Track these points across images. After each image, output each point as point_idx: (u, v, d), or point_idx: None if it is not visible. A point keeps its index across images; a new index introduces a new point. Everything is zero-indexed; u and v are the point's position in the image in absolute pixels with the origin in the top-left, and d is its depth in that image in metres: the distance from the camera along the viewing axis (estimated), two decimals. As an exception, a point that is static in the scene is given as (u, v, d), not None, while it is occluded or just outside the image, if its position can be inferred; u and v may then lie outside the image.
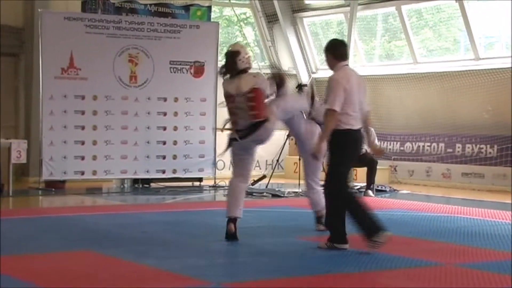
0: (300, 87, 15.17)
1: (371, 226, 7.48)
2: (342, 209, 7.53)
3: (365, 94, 7.73)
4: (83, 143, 13.32)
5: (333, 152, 7.53)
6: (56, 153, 13.14)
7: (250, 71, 8.33)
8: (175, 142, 14.04)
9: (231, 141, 8.30)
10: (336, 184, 7.55)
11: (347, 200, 7.55)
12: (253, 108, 8.11)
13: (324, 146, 7.56)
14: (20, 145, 12.54)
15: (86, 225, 9.34)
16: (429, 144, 15.75)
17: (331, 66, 7.65)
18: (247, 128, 8.13)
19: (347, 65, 7.69)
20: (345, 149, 7.53)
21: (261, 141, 8.34)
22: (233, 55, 8.19)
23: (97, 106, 13.41)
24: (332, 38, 8.24)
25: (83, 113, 13.30)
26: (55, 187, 13.31)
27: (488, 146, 14.89)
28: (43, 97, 13.11)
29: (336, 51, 7.63)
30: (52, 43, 13.12)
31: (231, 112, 8.30)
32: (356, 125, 7.55)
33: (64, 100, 13.16)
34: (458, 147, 15.33)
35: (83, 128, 13.31)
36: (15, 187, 12.62)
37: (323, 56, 19.49)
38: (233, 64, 8.17)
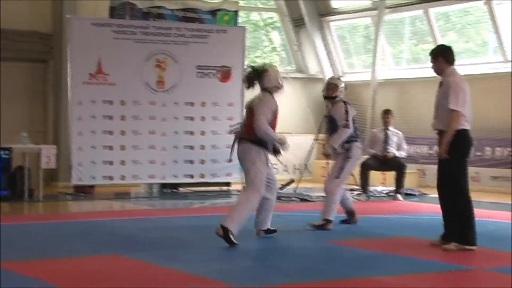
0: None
1: (468, 234, 7.80)
2: (465, 209, 7.85)
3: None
4: (111, 148, 13.38)
5: (454, 151, 7.80)
6: (85, 158, 13.22)
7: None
8: (202, 147, 14.06)
9: None
10: (451, 183, 7.89)
11: (460, 198, 7.87)
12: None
13: None
14: (50, 150, 12.62)
15: (115, 229, 9.38)
16: (457, 147, 15.62)
17: (441, 70, 8.04)
18: None
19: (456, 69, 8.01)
20: (459, 149, 7.84)
21: None
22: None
23: (125, 111, 13.47)
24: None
25: (111, 118, 13.37)
26: (84, 192, 13.38)
27: (518, 149, 14.75)
28: (72, 102, 13.19)
29: (449, 56, 8.04)
30: (80, 49, 13.20)
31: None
32: (468, 126, 7.92)
33: (92, 105, 13.24)
34: (487, 150, 15.20)
35: (111, 133, 13.38)
36: (44, 192, 12.69)
37: (350, 60, 19.44)
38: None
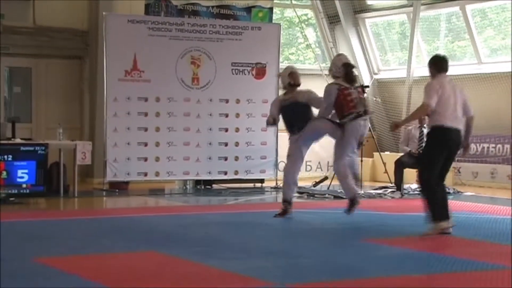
0: (362, 88, 15.12)
1: (439, 212, 8.58)
2: (437, 195, 8.68)
3: (462, 99, 8.83)
4: (146, 144, 13.45)
5: (426, 144, 8.96)
6: (120, 155, 13.30)
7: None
8: (237, 144, 14.08)
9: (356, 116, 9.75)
10: (424, 171, 8.81)
11: (427, 186, 8.68)
12: (364, 100, 9.98)
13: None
14: (85, 146, 12.72)
15: (149, 225, 9.43)
16: (494, 145, 15.50)
17: (433, 77, 8.89)
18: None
19: (446, 76, 8.89)
20: (435, 143, 8.70)
21: (361, 133, 9.92)
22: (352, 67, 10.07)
23: (160, 108, 13.53)
24: (435, 54, 9.50)
25: (146, 114, 13.44)
26: (119, 188, 13.47)
27: (555, 147, 14.59)
28: (107, 99, 13.28)
29: (439, 65, 8.91)
30: (116, 46, 13.28)
31: (348, 102, 9.71)
32: (449, 123, 8.63)
33: (127, 102, 13.32)
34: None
35: (146, 129, 13.45)
36: (80, 188, 12.81)
37: (385, 57, 19.37)
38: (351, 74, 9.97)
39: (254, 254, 7.47)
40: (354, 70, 10.07)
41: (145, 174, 13.53)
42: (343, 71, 9.88)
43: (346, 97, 9.68)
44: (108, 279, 6.27)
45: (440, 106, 8.59)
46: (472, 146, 15.68)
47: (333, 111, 9.92)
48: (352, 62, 18.09)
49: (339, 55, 10.68)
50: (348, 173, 9.83)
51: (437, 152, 8.64)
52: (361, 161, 14.69)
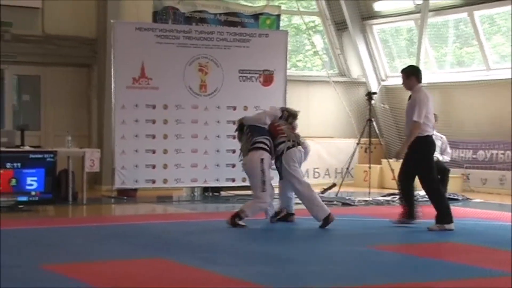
0: (369, 95, 15.14)
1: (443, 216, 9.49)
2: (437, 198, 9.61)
3: (432, 106, 9.82)
4: (154, 151, 13.47)
5: (417, 153, 9.60)
6: (128, 162, 13.32)
7: None
8: (244, 151, 14.06)
9: None
10: (425, 176, 9.63)
11: (430, 189, 9.62)
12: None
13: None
14: (94, 154, 12.74)
15: (157, 232, 9.43)
16: (502, 152, 15.45)
17: (411, 86, 9.83)
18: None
19: (421, 86, 9.84)
20: (426, 150, 9.62)
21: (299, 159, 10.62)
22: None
23: (168, 115, 13.55)
24: (410, 65, 10.77)
25: (154, 122, 13.46)
26: (127, 195, 13.49)
27: None
28: (115, 106, 13.30)
29: (419, 75, 9.86)
30: (124, 53, 13.31)
31: (278, 130, 10.43)
32: (431, 131, 9.72)
33: (135, 109, 13.34)
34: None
35: (154, 137, 13.47)
36: (88, 196, 12.82)
37: (393, 63, 19.30)
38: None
39: (259, 261, 7.47)
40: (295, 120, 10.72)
41: (153, 181, 13.54)
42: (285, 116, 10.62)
43: (276, 127, 10.33)
44: (113, 285, 6.28)
45: (426, 118, 9.58)
46: (481, 152, 15.69)
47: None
48: (360, 68, 18.29)
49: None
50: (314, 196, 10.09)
51: (431, 157, 9.70)
52: (369, 167, 14.71)
